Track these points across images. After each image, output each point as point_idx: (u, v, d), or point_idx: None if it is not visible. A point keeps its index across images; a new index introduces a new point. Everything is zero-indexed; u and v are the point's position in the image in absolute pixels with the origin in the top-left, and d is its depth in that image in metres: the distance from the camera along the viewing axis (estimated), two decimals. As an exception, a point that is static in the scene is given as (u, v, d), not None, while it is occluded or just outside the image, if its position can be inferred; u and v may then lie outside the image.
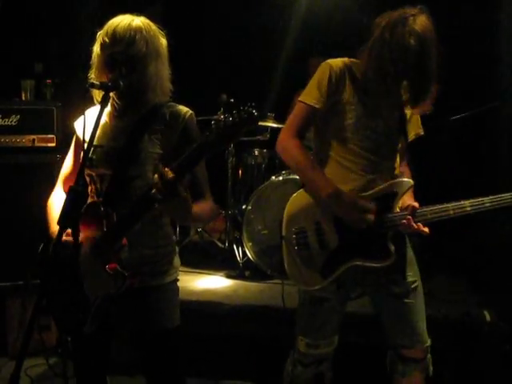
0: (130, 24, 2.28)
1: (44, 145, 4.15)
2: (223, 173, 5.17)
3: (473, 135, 4.93)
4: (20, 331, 4.09)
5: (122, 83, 2.16)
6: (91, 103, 2.43)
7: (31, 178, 4.09)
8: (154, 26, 2.37)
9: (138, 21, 2.32)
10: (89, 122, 2.12)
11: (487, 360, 3.47)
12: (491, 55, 4.85)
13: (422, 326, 2.57)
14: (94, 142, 2.10)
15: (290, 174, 4.40)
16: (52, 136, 4.16)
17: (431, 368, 2.60)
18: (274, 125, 4.94)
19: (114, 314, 2.28)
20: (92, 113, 2.36)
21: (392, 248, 2.42)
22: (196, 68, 6.08)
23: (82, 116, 2.31)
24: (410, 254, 2.61)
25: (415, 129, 2.66)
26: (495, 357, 3.47)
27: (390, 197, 2.45)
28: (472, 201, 2.40)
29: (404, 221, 2.40)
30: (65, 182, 2.49)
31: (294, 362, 2.66)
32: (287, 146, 2.50)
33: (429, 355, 2.59)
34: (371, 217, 2.38)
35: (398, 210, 2.46)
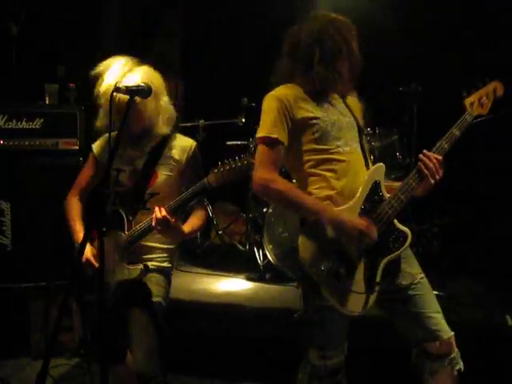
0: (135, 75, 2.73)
1: (67, 148, 4.20)
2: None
3: (493, 137, 4.90)
4: (43, 332, 4.14)
5: (147, 88, 2.52)
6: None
7: (55, 180, 4.12)
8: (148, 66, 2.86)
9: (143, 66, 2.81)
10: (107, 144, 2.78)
11: (509, 364, 3.44)
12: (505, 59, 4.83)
13: (439, 316, 2.52)
14: (118, 165, 2.79)
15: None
16: (75, 139, 4.21)
17: (461, 363, 2.52)
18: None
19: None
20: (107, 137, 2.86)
21: (404, 228, 2.47)
22: (217, 71, 6.11)
23: (101, 139, 3.01)
24: (408, 249, 2.57)
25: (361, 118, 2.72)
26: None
27: (376, 188, 2.49)
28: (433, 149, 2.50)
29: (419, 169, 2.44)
30: (79, 190, 3.11)
31: (308, 376, 2.61)
32: (268, 184, 2.43)
33: (456, 349, 2.52)
34: (374, 229, 2.39)
35: (387, 195, 2.49)
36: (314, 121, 2.49)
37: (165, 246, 2.96)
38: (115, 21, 5.21)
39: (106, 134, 2.89)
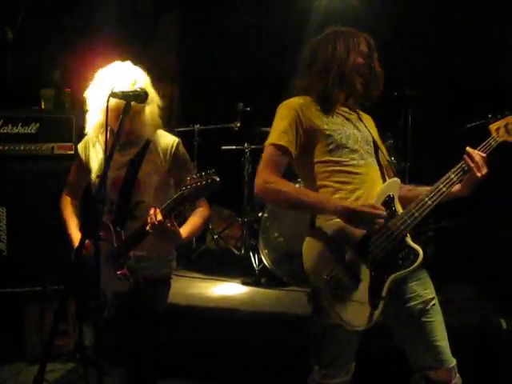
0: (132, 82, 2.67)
1: (63, 152, 4.21)
2: (239, 180, 5.20)
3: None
4: (38, 336, 4.14)
5: (143, 93, 2.52)
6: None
7: (50, 184, 4.13)
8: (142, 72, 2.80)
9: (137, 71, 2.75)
10: (91, 139, 2.88)
11: (505, 368, 3.45)
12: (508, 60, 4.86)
13: (445, 344, 2.48)
14: (101, 172, 2.63)
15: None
16: (70, 144, 4.21)
17: None
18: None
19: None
20: (91, 139, 2.91)
21: (416, 246, 2.40)
22: (213, 76, 6.12)
23: (85, 138, 2.93)
24: (425, 271, 2.54)
25: (376, 133, 2.72)
26: (512, 365, 3.46)
27: (389, 202, 2.45)
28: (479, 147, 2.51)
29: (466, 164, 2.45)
30: (69, 190, 3.09)
31: None
32: (270, 186, 2.42)
33: (458, 376, 2.50)
34: (382, 210, 2.34)
35: (401, 210, 2.45)
36: (328, 132, 2.48)
37: (160, 253, 2.84)
38: (111, 25, 5.21)
39: (90, 135, 2.85)
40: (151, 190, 2.79)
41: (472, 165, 2.44)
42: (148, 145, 2.81)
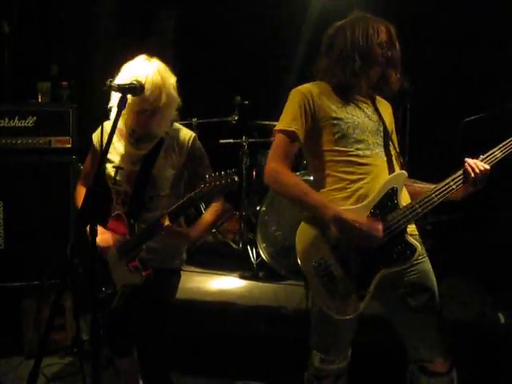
0: (157, 79, 2.66)
1: (60, 146, 4.19)
2: (237, 174, 5.18)
3: (488, 137, 4.91)
4: (35, 331, 4.13)
5: (139, 86, 2.47)
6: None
7: (47, 178, 4.13)
8: (167, 68, 2.78)
9: (160, 71, 2.71)
10: (107, 129, 2.67)
11: (502, 362, 3.45)
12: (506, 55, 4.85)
13: (442, 337, 2.49)
14: (117, 163, 2.81)
15: (304, 175, 4.40)
16: (68, 137, 4.20)
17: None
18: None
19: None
20: (108, 126, 2.72)
21: (414, 242, 2.40)
22: (210, 70, 6.10)
23: (99, 128, 2.84)
24: (427, 264, 2.54)
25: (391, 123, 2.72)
26: (510, 359, 3.46)
27: (392, 195, 2.43)
28: (483, 156, 2.48)
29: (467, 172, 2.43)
30: (84, 180, 3.06)
31: (310, 377, 2.62)
32: (278, 175, 2.46)
33: (454, 369, 2.50)
34: (379, 228, 2.36)
35: (403, 204, 2.44)
36: (336, 121, 2.48)
37: (171, 245, 2.87)
38: (108, 19, 5.19)
39: (104, 123, 2.80)
40: (166, 184, 2.82)
41: (472, 176, 2.43)
42: (164, 140, 2.83)
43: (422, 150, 4.93)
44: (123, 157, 2.85)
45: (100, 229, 2.73)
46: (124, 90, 2.39)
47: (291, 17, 5.86)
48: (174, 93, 2.77)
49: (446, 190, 2.43)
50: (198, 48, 6.16)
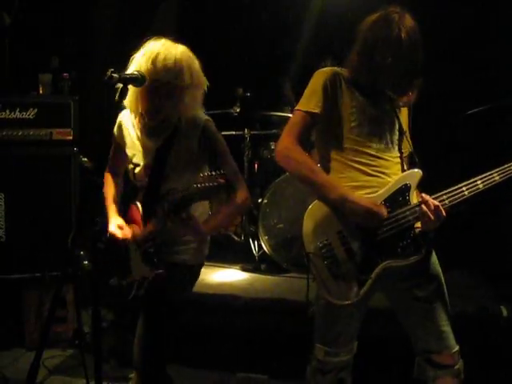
0: (176, 54, 2.63)
1: (61, 138, 4.18)
2: (239, 166, 5.16)
3: (489, 130, 4.89)
4: (37, 323, 4.14)
5: (140, 76, 2.42)
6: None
7: (48, 170, 4.13)
8: (193, 55, 2.72)
9: (183, 50, 2.68)
10: (125, 123, 2.75)
11: (504, 355, 3.45)
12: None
13: (449, 329, 2.50)
14: (134, 160, 2.76)
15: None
16: (69, 129, 4.19)
17: (462, 376, 2.52)
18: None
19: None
20: (125, 115, 2.79)
21: (422, 242, 2.39)
22: (212, 61, 6.07)
23: (118, 121, 2.80)
24: (434, 256, 2.55)
25: (406, 123, 2.68)
26: (512, 352, 3.45)
27: (405, 191, 2.43)
28: (481, 176, 2.43)
29: (419, 210, 2.37)
30: (111, 167, 2.96)
31: (313, 370, 2.59)
32: (289, 153, 2.47)
33: (460, 361, 2.52)
34: (383, 212, 2.36)
35: (415, 202, 2.42)
36: (354, 109, 2.47)
37: (185, 239, 2.77)
38: (109, 10, 5.17)
39: (120, 113, 2.78)
40: (183, 174, 2.70)
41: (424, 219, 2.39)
42: (177, 129, 2.71)
43: (423, 146, 4.90)
44: (140, 151, 2.77)
45: (120, 220, 2.75)
46: (125, 80, 2.36)
47: (294, 7, 5.83)
48: (197, 75, 2.69)
49: (458, 193, 2.43)
50: (199, 40, 6.14)
